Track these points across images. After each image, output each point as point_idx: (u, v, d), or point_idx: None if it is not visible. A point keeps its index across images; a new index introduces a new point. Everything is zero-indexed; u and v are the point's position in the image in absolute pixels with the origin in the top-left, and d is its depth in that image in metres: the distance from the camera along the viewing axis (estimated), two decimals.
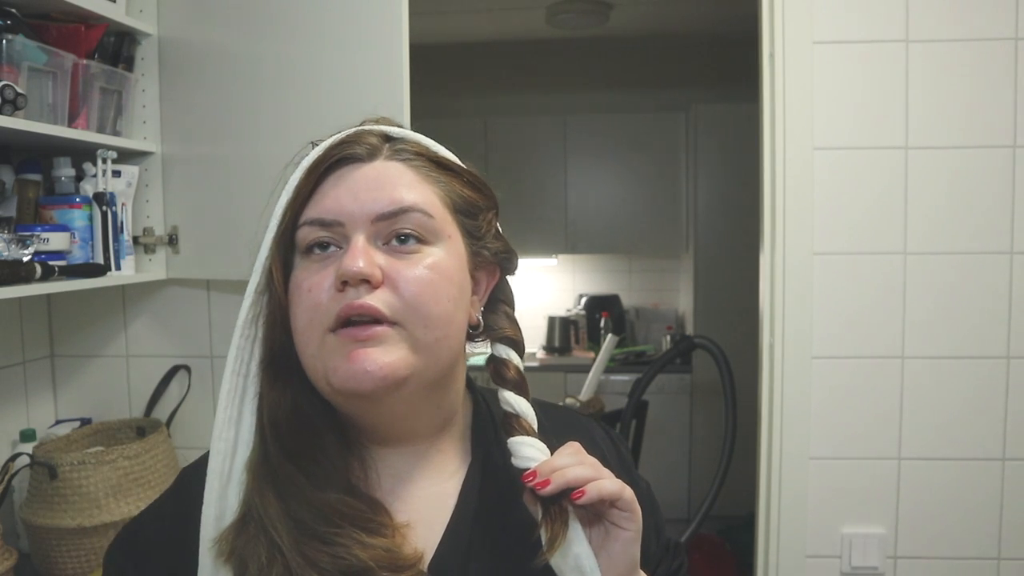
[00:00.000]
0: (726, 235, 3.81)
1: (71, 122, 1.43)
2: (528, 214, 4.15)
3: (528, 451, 0.65)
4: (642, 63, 4.20)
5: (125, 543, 0.74)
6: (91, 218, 1.49)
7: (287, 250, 0.67)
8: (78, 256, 1.46)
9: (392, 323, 0.63)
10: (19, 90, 1.24)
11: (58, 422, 1.76)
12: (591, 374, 2.86)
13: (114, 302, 1.78)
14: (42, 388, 1.76)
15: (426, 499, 0.70)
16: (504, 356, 0.71)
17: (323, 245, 0.65)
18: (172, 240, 1.66)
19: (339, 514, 0.63)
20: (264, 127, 1.52)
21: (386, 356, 0.62)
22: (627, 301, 4.58)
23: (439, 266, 0.65)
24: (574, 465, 0.62)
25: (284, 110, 1.50)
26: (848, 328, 1.55)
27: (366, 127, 0.71)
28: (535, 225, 4.20)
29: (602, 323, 4.33)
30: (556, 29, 3.73)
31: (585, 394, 2.82)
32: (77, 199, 1.48)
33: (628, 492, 0.62)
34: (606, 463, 0.65)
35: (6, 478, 1.46)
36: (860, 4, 1.51)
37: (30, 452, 1.49)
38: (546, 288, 4.64)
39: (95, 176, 1.51)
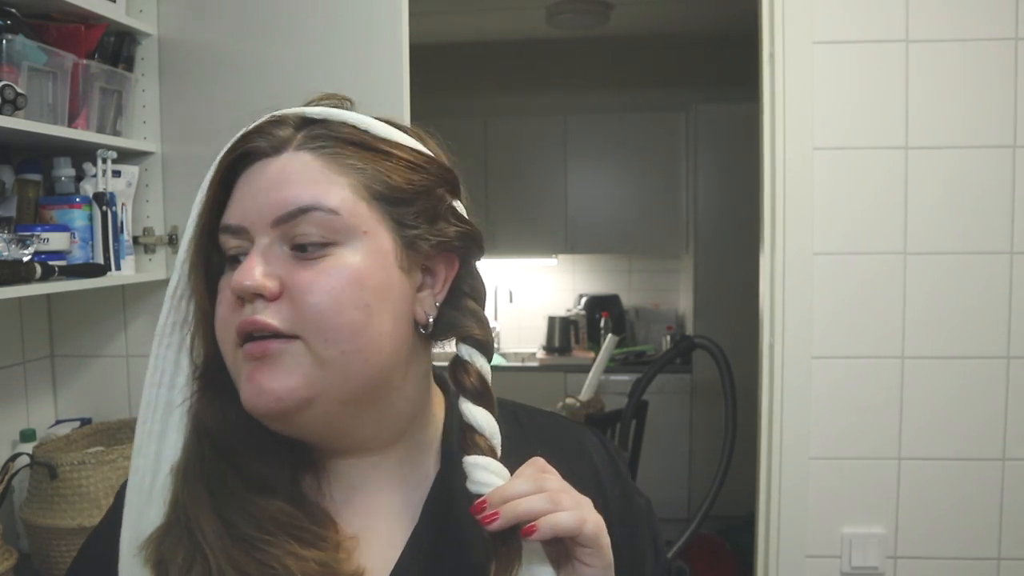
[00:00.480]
0: (726, 235, 3.81)
1: (71, 122, 1.43)
2: (528, 214, 4.15)
3: (482, 475, 0.57)
4: (642, 63, 4.20)
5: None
6: (91, 218, 1.49)
7: (210, 254, 0.61)
8: (78, 256, 1.46)
9: (291, 338, 0.57)
10: (19, 90, 1.24)
11: (58, 422, 1.76)
12: (591, 374, 2.86)
13: (114, 302, 1.78)
14: (42, 388, 1.76)
15: (383, 512, 0.64)
16: (466, 358, 0.62)
17: (235, 256, 0.60)
18: (172, 240, 1.66)
19: (274, 521, 0.58)
20: None
21: (280, 376, 0.56)
22: (627, 301, 4.57)
23: (345, 271, 0.57)
24: (529, 494, 0.54)
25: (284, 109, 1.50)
26: (848, 328, 1.55)
27: (282, 111, 0.63)
28: (535, 225, 4.20)
29: (602, 323, 4.33)
30: (556, 29, 3.73)
31: (585, 394, 2.82)
32: (77, 199, 1.48)
33: (589, 527, 0.54)
34: (598, 478, 0.60)
35: (6, 478, 1.46)
36: (860, 4, 1.51)
37: (30, 452, 1.49)
38: (546, 288, 4.64)
39: (95, 176, 1.51)
